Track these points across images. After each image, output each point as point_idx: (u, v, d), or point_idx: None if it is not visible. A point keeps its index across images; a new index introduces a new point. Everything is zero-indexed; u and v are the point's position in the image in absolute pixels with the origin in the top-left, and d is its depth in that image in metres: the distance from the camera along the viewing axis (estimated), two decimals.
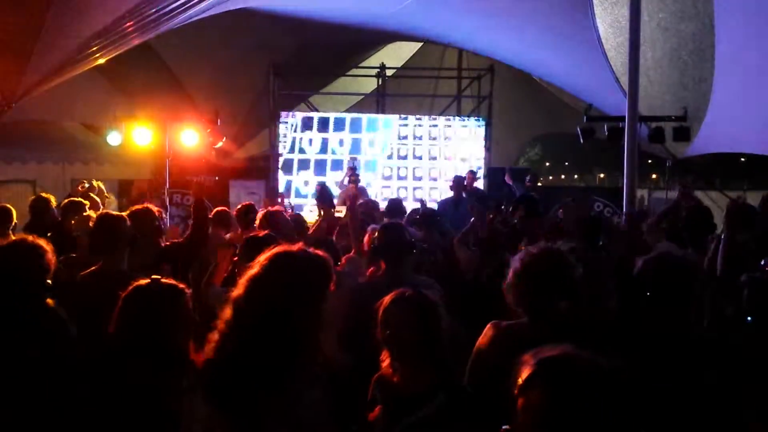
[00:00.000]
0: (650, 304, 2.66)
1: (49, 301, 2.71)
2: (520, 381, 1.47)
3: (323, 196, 4.13)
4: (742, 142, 10.84)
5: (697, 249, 4.17)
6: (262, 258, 2.04)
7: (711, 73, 9.05)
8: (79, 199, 6.10)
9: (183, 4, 7.35)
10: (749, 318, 2.90)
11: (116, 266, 3.45)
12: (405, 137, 12.88)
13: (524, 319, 2.60)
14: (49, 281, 2.67)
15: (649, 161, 18.32)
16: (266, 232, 3.65)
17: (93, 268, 3.48)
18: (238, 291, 2.03)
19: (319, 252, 2.12)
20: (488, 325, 2.66)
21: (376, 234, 3.60)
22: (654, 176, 26.18)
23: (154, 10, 7.18)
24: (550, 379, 1.42)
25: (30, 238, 2.76)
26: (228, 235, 5.80)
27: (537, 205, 5.25)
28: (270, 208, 5.39)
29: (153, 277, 2.33)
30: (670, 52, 9.63)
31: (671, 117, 10.18)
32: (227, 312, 2.01)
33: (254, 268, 2.03)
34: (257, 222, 4.87)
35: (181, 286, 2.38)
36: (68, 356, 2.56)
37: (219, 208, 6.14)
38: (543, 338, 2.44)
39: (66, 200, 6.23)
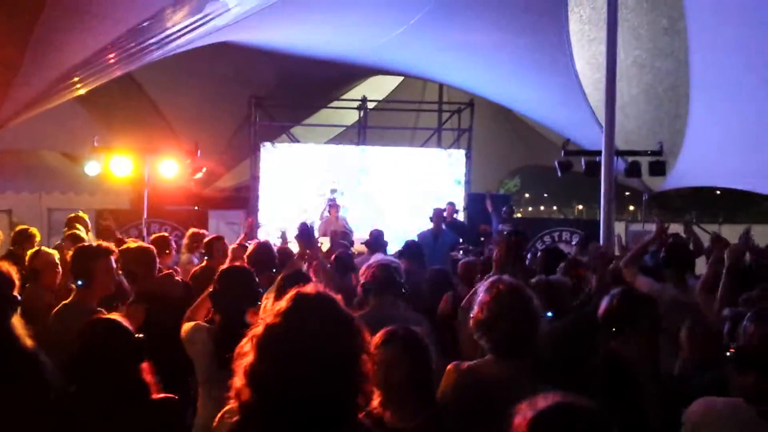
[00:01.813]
0: (616, 338, 2.68)
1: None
2: None
3: (303, 234, 4.12)
4: (717, 176, 11.05)
5: (676, 284, 4.21)
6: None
7: (686, 109, 9.25)
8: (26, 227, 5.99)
9: (165, 38, 7.38)
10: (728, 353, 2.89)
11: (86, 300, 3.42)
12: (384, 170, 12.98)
13: (488, 357, 2.57)
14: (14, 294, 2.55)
15: (627, 193, 18.56)
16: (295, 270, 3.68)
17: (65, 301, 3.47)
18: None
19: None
20: (449, 367, 2.61)
21: (369, 272, 3.64)
22: (632, 208, 26.50)
23: (135, 43, 7.19)
24: None
25: None
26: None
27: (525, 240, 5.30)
28: (242, 242, 5.41)
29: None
30: (646, 88, 9.84)
31: (647, 151, 10.36)
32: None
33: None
34: (230, 254, 4.89)
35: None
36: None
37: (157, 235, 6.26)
38: (510, 376, 2.48)
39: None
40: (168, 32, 7.29)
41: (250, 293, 3.22)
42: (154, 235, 6.30)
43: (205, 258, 5.80)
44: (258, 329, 1.70)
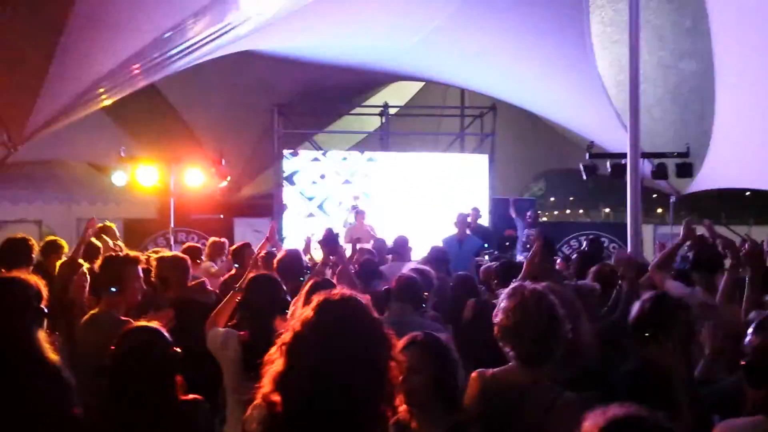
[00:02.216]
0: (648, 344, 2.63)
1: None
2: None
3: (327, 240, 4.13)
4: (745, 178, 10.86)
5: (706, 288, 4.13)
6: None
7: (711, 110, 9.12)
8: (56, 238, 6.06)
9: (188, 47, 7.47)
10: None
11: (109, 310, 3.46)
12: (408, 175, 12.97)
13: (512, 364, 2.54)
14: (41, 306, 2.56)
15: (654, 196, 18.32)
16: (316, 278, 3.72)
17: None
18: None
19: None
20: (473, 375, 2.59)
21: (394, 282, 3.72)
22: (659, 211, 26.15)
23: (159, 54, 7.29)
24: None
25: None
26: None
27: (553, 245, 5.29)
28: (272, 249, 5.43)
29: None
30: (671, 89, 9.72)
31: (674, 153, 10.23)
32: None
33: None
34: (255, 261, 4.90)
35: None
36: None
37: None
38: (535, 383, 2.44)
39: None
40: (190, 42, 7.38)
41: (279, 301, 3.26)
42: (186, 245, 6.39)
43: (235, 266, 5.84)
44: (286, 336, 1.71)
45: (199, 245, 6.70)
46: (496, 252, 8.92)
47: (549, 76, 10.76)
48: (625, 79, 7.70)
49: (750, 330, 2.13)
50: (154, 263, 4.24)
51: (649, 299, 2.76)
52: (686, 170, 10.18)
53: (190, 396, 2.42)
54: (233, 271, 5.79)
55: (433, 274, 4.31)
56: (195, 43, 7.62)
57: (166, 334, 2.44)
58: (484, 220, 12.48)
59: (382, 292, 4.04)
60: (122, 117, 11.09)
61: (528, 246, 9.89)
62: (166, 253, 4.78)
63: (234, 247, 6.23)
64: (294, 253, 4.65)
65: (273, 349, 1.73)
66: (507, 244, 11.23)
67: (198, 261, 6.22)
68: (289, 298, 3.38)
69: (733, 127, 9.21)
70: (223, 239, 7.70)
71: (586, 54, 9.58)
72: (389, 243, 7.36)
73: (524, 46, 10.02)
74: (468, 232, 9.09)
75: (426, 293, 4.05)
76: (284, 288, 3.39)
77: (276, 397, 1.66)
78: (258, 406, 1.78)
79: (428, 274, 4.24)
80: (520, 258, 9.92)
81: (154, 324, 2.48)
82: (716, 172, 10.64)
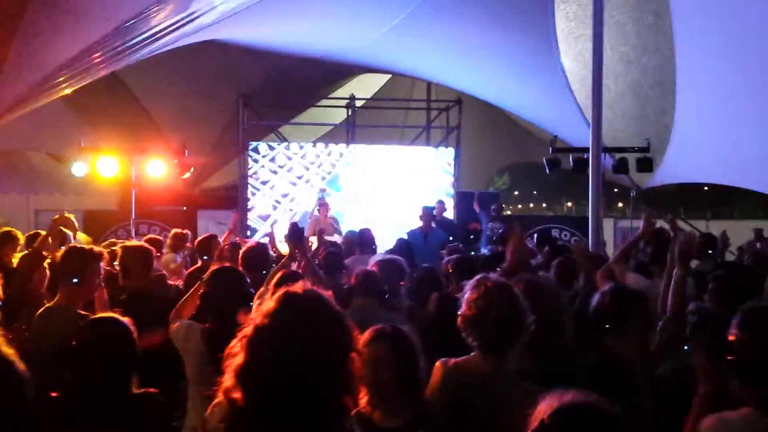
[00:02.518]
0: (608, 336, 2.68)
1: None
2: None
3: (292, 234, 4.12)
4: (703, 172, 11.11)
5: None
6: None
7: (672, 105, 9.30)
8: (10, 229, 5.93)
9: (151, 36, 7.34)
10: (686, 348, 2.86)
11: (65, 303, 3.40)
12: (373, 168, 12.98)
13: (475, 353, 2.57)
14: None
15: (616, 190, 18.65)
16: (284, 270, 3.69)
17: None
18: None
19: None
20: (437, 364, 2.62)
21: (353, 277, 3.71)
22: (620, 205, 26.63)
23: (120, 42, 7.15)
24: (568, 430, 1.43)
25: None
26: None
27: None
28: (236, 240, 5.40)
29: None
30: (632, 84, 9.88)
31: (634, 148, 10.41)
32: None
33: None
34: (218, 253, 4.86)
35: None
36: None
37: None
38: (497, 373, 2.48)
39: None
40: (153, 30, 7.25)
41: (242, 293, 3.24)
42: (146, 237, 6.28)
43: (204, 258, 5.75)
44: (248, 329, 1.69)
45: (160, 238, 6.60)
46: (460, 245, 8.96)
47: (514, 70, 10.86)
48: (588, 74, 7.82)
49: (734, 324, 2.12)
50: (119, 251, 4.19)
51: (608, 292, 2.80)
52: (646, 165, 10.38)
53: (143, 389, 2.39)
54: (199, 263, 5.71)
55: (404, 262, 4.31)
56: (158, 32, 7.49)
57: (131, 328, 2.41)
58: (450, 213, 12.56)
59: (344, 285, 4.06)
60: (83, 106, 10.85)
61: (494, 239, 9.98)
62: (133, 242, 4.73)
63: (200, 239, 6.15)
64: (259, 246, 4.63)
65: (234, 343, 1.71)
66: (471, 237, 11.32)
67: (159, 254, 6.13)
68: (253, 291, 3.37)
69: (693, 122, 9.41)
70: (185, 231, 7.61)
71: (550, 49, 9.69)
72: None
73: (489, 40, 10.08)
74: (433, 225, 9.13)
75: (401, 282, 4.08)
76: (247, 280, 3.37)
77: (237, 392, 1.64)
78: (219, 405, 1.76)
79: (399, 263, 4.23)
80: (484, 251, 10.00)
81: (123, 319, 2.45)
82: (676, 167, 10.86)
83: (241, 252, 4.52)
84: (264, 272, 4.18)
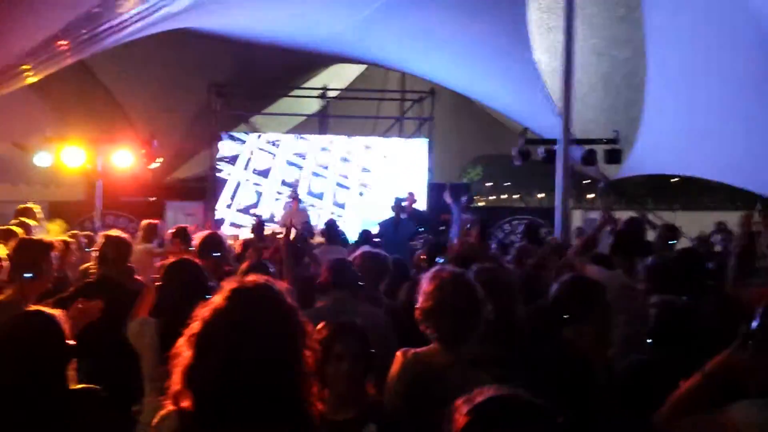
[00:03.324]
0: (567, 326, 2.69)
1: None
2: (454, 429, 1.42)
3: (255, 229, 4.10)
4: (671, 164, 11.26)
5: (627, 271, 4.27)
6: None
7: (641, 97, 9.39)
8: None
9: (118, 24, 7.23)
10: (649, 340, 2.87)
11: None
12: (347, 159, 12.95)
13: (433, 344, 2.57)
14: None
15: (586, 181, 18.83)
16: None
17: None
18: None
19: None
20: (397, 353, 2.62)
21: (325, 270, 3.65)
22: (590, 196, 26.90)
23: (87, 30, 7.03)
24: (487, 428, 1.38)
25: None
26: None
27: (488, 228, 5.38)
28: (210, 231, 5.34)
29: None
30: (603, 76, 9.96)
31: (603, 140, 10.49)
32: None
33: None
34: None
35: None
36: None
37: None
38: (452, 364, 2.50)
39: None
40: (120, 18, 7.15)
41: (198, 286, 3.15)
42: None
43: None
44: (195, 326, 1.60)
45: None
46: (430, 236, 9.00)
47: (486, 61, 10.88)
48: (560, 66, 7.87)
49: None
50: (101, 240, 4.14)
51: (566, 282, 2.82)
52: (615, 156, 10.45)
53: (82, 385, 2.25)
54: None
55: (388, 257, 4.18)
56: (126, 20, 7.39)
57: (62, 323, 2.25)
58: (422, 205, 12.58)
59: (311, 277, 4.02)
60: (49, 95, 10.64)
61: (464, 230, 10.02)
62: (115, 232, 4.68)
63: (175, 231, 6.02)
64: (211, 233, 4.60)
65: (182, 341, 1.62)
66: (443, 228, 11.34)
67: None
68: (213, 284, 3.31)
69: (661, 114, 9.52)
70: (156, 221, 7.52)
71: (522, 40, 9.72)
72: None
73: (462, 32, 10.09)
74: (404, 216, 9.15)
75: (381, 278, 3.99)
76: (205, 273, 3.30)
77: (186, 398, 1.57)
78: (168, 416, 1.67)
79: (382, 258, 4.11)
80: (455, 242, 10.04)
81: (53, 311, 2.30)
82: (644, 159, 10.99)
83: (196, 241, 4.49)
84: (218, 254, 4.16)
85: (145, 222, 7.38)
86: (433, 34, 10.44)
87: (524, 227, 8.10)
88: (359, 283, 3.67)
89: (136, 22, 7.52)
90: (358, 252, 4.15)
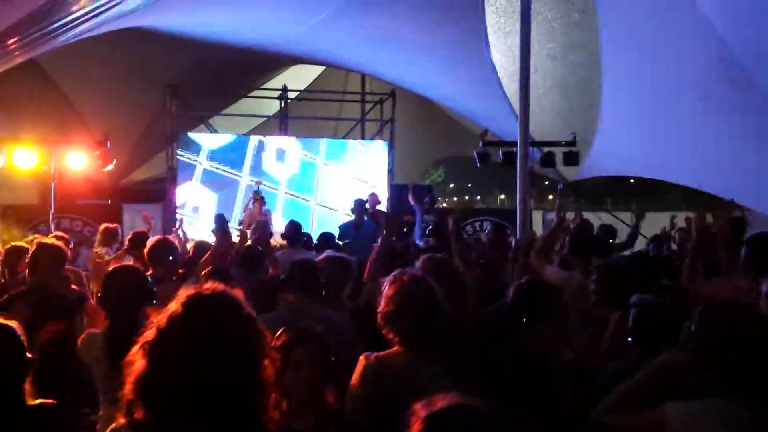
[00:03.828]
0: (525, 328, 2.71)
1: None
2: None
3: (218, 225, 4.02)
4: (627, 166, 11.48)
5: (583, 272, 4.32)
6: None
7: (598, 101, 9.56)
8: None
9: (70, 22, 7.04)
10: (630, 339, 2.92)
11: None
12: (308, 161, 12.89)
13: (396, 348, 2.59)
14: None
15: (546, 183, 19.07)
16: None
17: None
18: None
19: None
20: (360, 358, 2.63)
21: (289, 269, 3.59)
22: (551, 197, 27.25)
23: (37, 28, 6.83)
24: None
25: None
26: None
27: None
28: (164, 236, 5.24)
29: None
30: (559, 80, 10.11)
31: (561, 142, 10.66)
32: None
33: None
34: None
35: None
36: None
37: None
38: (415, 366, 2.50)
39: None
40: (73, 16, 6.96)
41: (141, 293, 3.07)
42: (52, 235, 6.04)
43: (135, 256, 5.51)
44: (149, 334, 1.56)
45: (66, 236, 6.29)
46: (393, 238, 8.98)
47: (445, 64, 10.93)
48: (517, 69, 7.93)
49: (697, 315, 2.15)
50: (33, 247, 4.03)
51: (522, 284, 2.85)
52: (572, 158, 10.65)
53: (39, 401, 2.18)
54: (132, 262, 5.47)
55: (352, 261, 4.13)
56: (78, 18, 7.20)
57: (20, 335, 2.19)
58: (384, 206, 12.57)
59: (271, 280, 3.96)
60: None
61: (427, 231, 10.04)
62: (49, 240, 4.58)
63: (134, 235, 5.88)
64: (160, 239, 4.52)
65: (135, 349, 1.58)
66: (405, 229, 11.35)
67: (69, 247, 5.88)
68: (156, 289, 3.22)
69: (617, 117, 9.70)
70: (115, 225, 7.35)
71: (481, 44, 9.79)
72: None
73: (422, 34, 10.11)
74: (365, 218, 9.12)
75: (346, 282, 3.94)
76: (148, 278, 3.23)
77: (139, 405, 1.52)
78: (119, 430, 1.63)
79: (347, 262, 4.05)
80: (418, 243, 10.05)
81: (11, 323, 2.24)
82: (601, 161, 11.19)
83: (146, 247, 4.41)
84: (170, 259, 4.09)
85: (103, 226, 7.22)
86: (393, 36, 10.45)
87: (490, 230, 8.07)
88: (320, 285, 3.62)
89: (88, 19, 7.34)
90: (321, 255, 4.09)
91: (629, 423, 2.19)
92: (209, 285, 1.66)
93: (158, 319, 1.59)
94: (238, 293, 1.67)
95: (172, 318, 1.56)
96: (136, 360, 1.56)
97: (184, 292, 1.62)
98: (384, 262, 3.95)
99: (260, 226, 5.15)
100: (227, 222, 4.55)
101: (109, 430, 1.71)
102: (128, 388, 1.55)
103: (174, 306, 1.59)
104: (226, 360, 1.52)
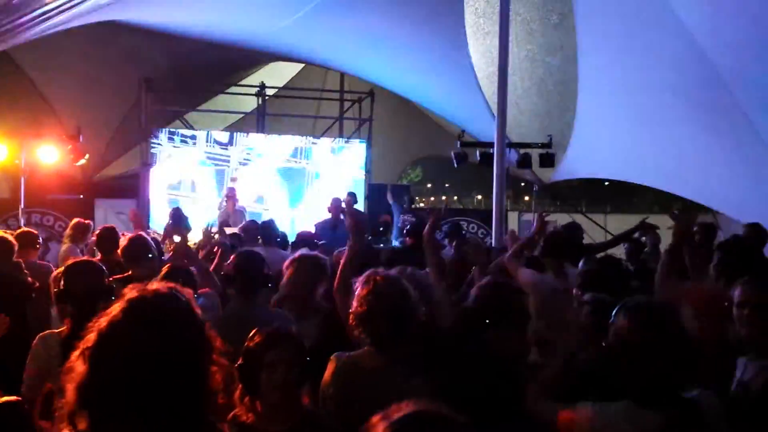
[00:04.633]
0: (488, 330, 2.70)
1: None
2: None
3: (177, 219, 3.94)
4: (603, 168, 11.59)
5: (556, 273, 4.35)
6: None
7: (574, 103, 9.62)
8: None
9: (41, 15, 6.92)
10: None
11: None
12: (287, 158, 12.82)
13: (366, 348, 2.58)
14: None
15: (523, 184, 19.19)
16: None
17: None
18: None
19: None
20: (331, 357, 2.61)
21: (233, 261, 3.52)
22: (527, 198, 27.44)
23: (8, 20, 6.70)
24: None
25: None
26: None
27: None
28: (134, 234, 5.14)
29: None
30: (537, 82, 10.16)
31: (537, 144, 10.73)
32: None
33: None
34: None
35: None
36: None
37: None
38: (387, 367, 2.48)
39: None
40: (44, 9, 6.84)
41: (101, 288, 2.94)
42: (20, 230, 5.94)
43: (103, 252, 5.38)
44: (90, 338, 1.47)
45: (35, 231, 6.17)
46: (370, 237, 8.96)
47: (424, 64, 10.94)
48: (495, 70, 7.96)
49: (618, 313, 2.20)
50: None
51: (485, 286, 2.83)
52: (548, 160, 10.73)
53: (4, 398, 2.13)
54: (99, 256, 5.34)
55: (326, 260, 4.01)
56: (51, 10, 7.08)
57: None
58: (361, 206, 12.54)
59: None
60: None
61: (404, 231, 10.04)
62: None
63: (102, 231, 5.76)
64: (137, 236, 4.43)
65: (75, 354, 1.48)
66: (381, 229, 11.34)
67: (36, 246, 5.78)
68: (114, 286, 3.13)
69: (593, 120, 9.78)
70: (87, 221, 7.22)
71: (459, 44, 9.81)
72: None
73: (401, 33, 10.10)
74: (342, 217, 9.08)
75: (319, 283, 3.82)
76: (106, 273, 3.10)
77: (81, 415, 1.44)
78: None
79: (321, 262, 3.93)
80: (395, 243, 10.04)
81: None
82: (576, 163, 11.28)
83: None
84: (150, 256, 4.02)
85: (75, 221, 7.08)
86: (372, 35, 10.43)
87: (446, 229, 7.92)
88: (264, 279, 3.53)
89: (62, 12, 7.21)
90: (295, 255, 4.01)
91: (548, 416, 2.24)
92: (154, 286, 1.58)
93: (99, 322, 1.50)
94: (188, 293, 1.60)
95: (112, 322, 1.48)
96: (77, 366, 1.47)
97: (127, 293, 1.54)
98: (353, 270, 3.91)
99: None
100: (185, 218, 4.44)
101: None
102: (69, 396, 1.46)
103: (115, 309, 1.50)
104: (166, 367, 1.45)
